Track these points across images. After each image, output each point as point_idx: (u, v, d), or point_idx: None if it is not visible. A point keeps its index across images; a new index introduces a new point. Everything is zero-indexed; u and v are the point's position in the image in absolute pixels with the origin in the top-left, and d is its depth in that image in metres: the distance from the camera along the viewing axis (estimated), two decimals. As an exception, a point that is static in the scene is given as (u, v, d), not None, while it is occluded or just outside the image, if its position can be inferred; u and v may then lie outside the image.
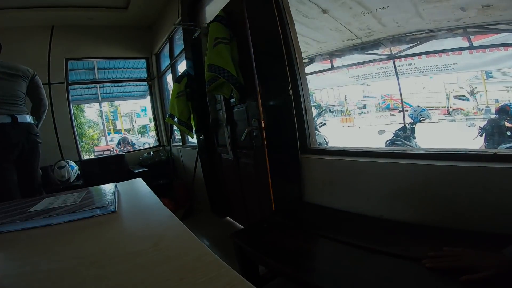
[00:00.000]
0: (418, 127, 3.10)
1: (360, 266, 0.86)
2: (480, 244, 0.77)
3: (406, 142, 2.93)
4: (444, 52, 2.69)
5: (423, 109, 3.25)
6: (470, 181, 0.91)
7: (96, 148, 8.55)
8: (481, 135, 2.43)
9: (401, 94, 3.73)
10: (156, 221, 0.55)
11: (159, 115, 4.21)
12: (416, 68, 3.10)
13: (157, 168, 3.59)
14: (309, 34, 2.93)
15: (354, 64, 3.47)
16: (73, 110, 3.77)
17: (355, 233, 1.08)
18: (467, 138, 2.57)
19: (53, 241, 0.48)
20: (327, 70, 3.64)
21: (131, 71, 5.25)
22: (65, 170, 2.98)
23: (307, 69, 3.33)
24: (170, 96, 2.84)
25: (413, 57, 2.96)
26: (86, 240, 0.47)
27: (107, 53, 3.90)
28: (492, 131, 2.36)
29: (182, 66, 3.29)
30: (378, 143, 3.12)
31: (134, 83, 6.21)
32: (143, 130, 11.44)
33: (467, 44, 2.48)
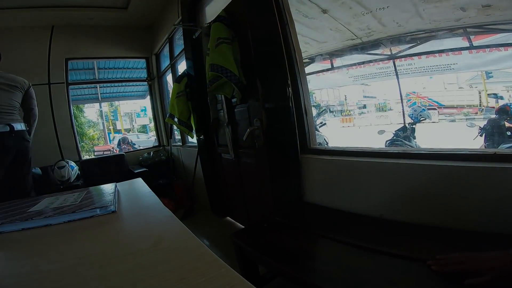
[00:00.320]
0: (418, 127, 3.10)
1: (360, 266, 0.86)
2: (480, 244, 0.77)
3: (406, 142, 2.93)
4: (444, 52, 2.69)
5: (423, 109, 3.26)
6: (470, 181, 0.91)
7: (96, 148, 8.56)
8: (481, 135, 2.42)
9: (401, 94, 3.73)
10: (156, 221, 0.55)
11: (159, 115, 4.20)
12: (416, 68, 3.09)
13: (157, 168, 3.59)
14: (309, 34, 2.93)
15: (354, 64, 3.46)
16: (73, 110, 3.77)
17: (355, 233, 1.08)
18: (467, 138, 2.57)
19: (53, 241, 0.48)
20: (327, 70, 3.63)
21: (131, 71, 5.25)
22: (65, 170, 2.98)
23: (307, 69, 3.32)
24: (170, 96, 2.84)
25: (413, 57, 2.96)
26: (86, 240, 0.47)
27: (107, 53, 3.89)
28: (492, 131, 2.36)
29: (182, 66, 3.29)
30: (378, 143, 3.12)
31: (134, 83, 6.22)
32: (143, 130, 11.44)
33: (467, 44, 2.47)
